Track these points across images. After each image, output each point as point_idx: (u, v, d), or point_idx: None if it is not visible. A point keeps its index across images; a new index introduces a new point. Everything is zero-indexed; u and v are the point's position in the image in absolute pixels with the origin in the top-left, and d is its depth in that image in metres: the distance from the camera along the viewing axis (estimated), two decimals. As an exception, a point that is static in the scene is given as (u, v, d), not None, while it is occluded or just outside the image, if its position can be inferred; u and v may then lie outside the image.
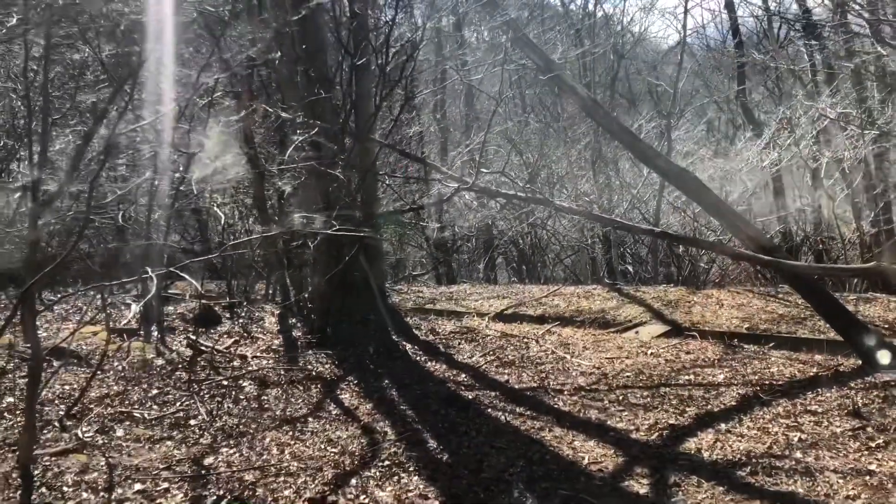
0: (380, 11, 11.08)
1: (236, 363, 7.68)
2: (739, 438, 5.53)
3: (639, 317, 9.98)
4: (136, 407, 6.18)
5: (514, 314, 10.72)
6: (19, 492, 4.40)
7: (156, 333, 8.13)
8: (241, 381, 7.11)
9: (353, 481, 4.91)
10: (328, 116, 8.84)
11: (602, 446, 5.51)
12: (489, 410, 6.43)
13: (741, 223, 8.05)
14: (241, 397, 6.69)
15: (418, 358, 8.29)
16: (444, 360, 8.14)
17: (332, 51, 9.90)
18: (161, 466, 5.04)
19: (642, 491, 4.74)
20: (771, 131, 14.52)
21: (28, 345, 5.94)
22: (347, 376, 7.54)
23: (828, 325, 8.07)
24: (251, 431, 5.83)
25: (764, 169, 13.79)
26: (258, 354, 8.06)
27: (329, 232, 7.18)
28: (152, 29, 5.87)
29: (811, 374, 7.12)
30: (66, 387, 6.41)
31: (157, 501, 4.56)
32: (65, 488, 4.61)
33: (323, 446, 5.56)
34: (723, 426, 5.83)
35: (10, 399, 5.84)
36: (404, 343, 8.82)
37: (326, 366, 7.85)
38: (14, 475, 4.57)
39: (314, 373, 7.57)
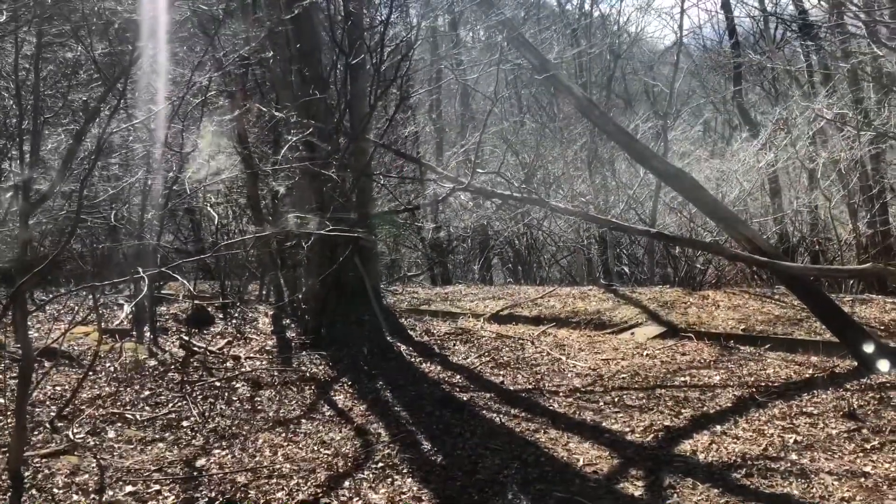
0: (375, 10, 11.06)
1: (229, 364, 7.64)
2: (735, 440, 5.51)
3: (635, 318, 9.95)
4: (128, 408, 6.14)
5: (510, 315, 10.69)
6: (9, 494, 4.36)
7: (148, 334, 8.08)
8: (234, 383, 7.07)
9: (347, 483, 4.87)
10: (322, 116, 8.81)
11: (597, 448, 5.49)
12: (484, 412, 6.40)
13: (737, 224, 8.03)
14: (234, 398, 6.65)
15: (413, 359, 8.25)
16: (438, 362, 8.11)
17: (327, 50, 9.87)
18: (153, 468, 5.00)
19: (637, 493, 4.71)
20: (767, 132, 14.52)
21: (19, 345, 5.89)
22: (341, 377, 7.51)
23: (824, 327, 8.05)
24: (244, 433, 5.80)
25: (760, 170, 13.78)
26: (251, 355, 8.03)
27: (323, 232, 7.15)
28: (145, 27, 5.84)
29: (807, 375, 7.10)
30: (58, 388, 6.36)
31: (149, 503, 4.52)
32: (55, 490, 4.57)
33: (316, 448, 5.53)
34: (718, 428, 5.80)
35: (1, 400, 5.77)
36: (399, 344, 8.78)
37: (320, 367, 7.82)
38: (4, 477, 4.53)
39: (308, 374, 7.53)
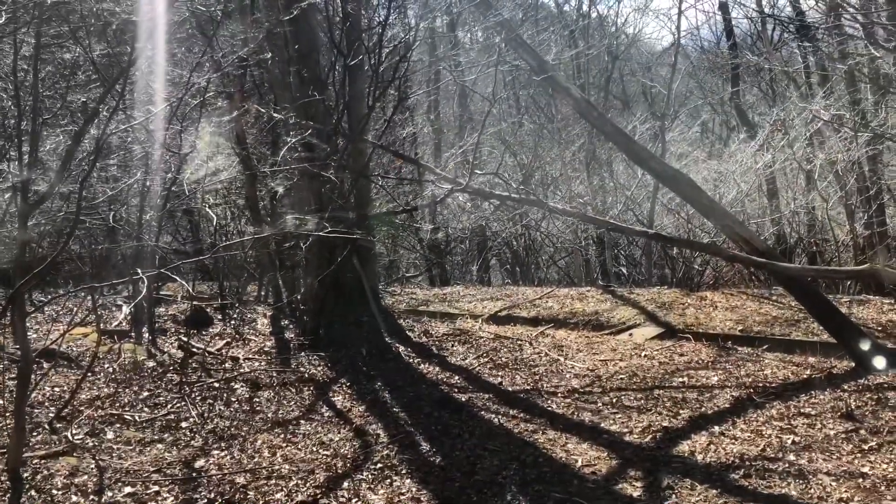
0: (373, 11, 11.06)
1: (228, 365, 7.64)
2: (733, 441, 5.52)
3: (633, 319, 9.97)
4: (127, 409, 6.14)
5: (508, 316, 10.70)
6: (8, 495, 4.36)
7: (147, 335, 8.08)
8: (232, 383, 7.07)
9: (346, 484, 4.88)
10: (321, 117, 8.82)
11: (595, 449, 5.49)
12: (482, 413, 6.41)
13: (735, 225, 8.04)
14: (233, 399, 6.65)
15: (411, 360, 8.26)
16: (437, 362, 8.12)
17: (325, 51, 9.88)
18: (152, 469, 5.00)
19: (635, 493, 4.72)
20: (765, 133, 14.53)
21: (18, 346, 5.89)
22: (340, 378, 7.51)
23: (821, 328, 8.06)
24: (243, 434, 5.80)
25: (758, 171, 13.79)
26: (250, 356, 8.03)
27: (321, 233, 7.16)
28: (144, 28, 5.84)
29: (804, 376, 7.12)
30: (56, 389, 6.37)
31: (147, 505, 4.53)
32: (54, 491, 4.57)
33: (315, 449, 5.53)
34: (716, 428, 5.81)
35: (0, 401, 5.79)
36: (397, 345, 8.79)
37: (319, 368, 7.83)
38: (3, 478, 4.53)
39: (306, 375, 7.54)
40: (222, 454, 5.36)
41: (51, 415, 5.72)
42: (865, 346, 7.18)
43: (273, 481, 4.88)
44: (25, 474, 4.67)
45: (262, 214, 9.45)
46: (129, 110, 7.50)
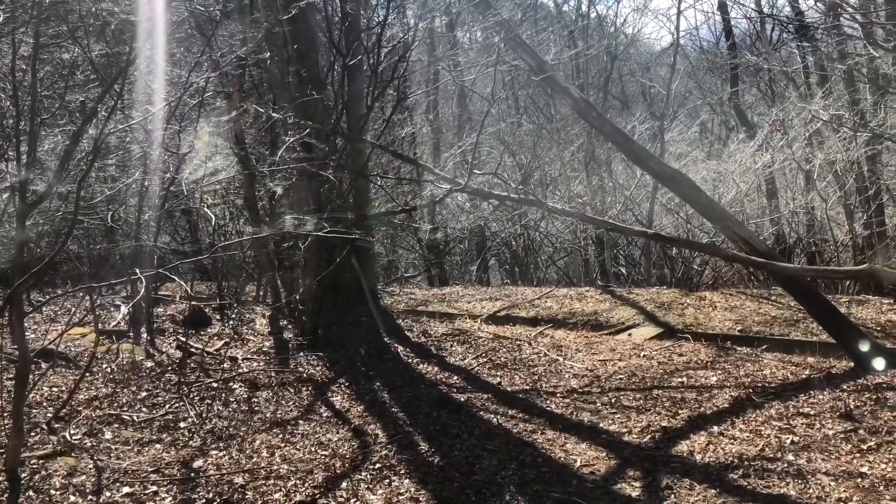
0: (372, 11, 11.06)
1: (226, 365, 7.63)
2: (732, 441, 5.51)
3: (632, 319, 9.96)
4: (125, 409, 6.14)
5: (507, 316, 10.69)
6: (6, 495, 4.36)
7: (145, 335, 8.08)
8: (231, 384, 7.07)
9: (344, 484, 4.87)
10: (320, 117, 8.81)
11: (594, 449, 5.49)
12: (481, 413, 6.40)
13: (734, 225, 8.03)
14: (231, 400, 6.65)
15: (410, 360, 8.25)
16: (436, 363, 8.11)
17: (324, 51, 9.88)
18: (150, 469, 5.00)
19: (634, 493, 4.71)
20: (764, 133, 14.54)
21: (16, 346, 5.88)
22: (338, 378, 7.51)
23: (820, 328, 8.06)
24: (241, 434, 5.79)
25: (757, 171, 13.80)
26: (249, 356, 8.02)
27: (320, 233, 7.16)
28: (143, 28, 5.83)
29: (803, 376, 7.11)
30: (55, 389, 6.37)
31: (145, 505, 4.53)
32: (52, 491, 4.57)
33: (313, 449, 5.53)
34: (715, 428, 5.81)
35: (-3, 401, 5.79)
36: (396, 345, 8.79)
37: (317, 368, 7.82)
38: (1, 478, 4.52)
39: (305, 375, 7.53)
40: (221, 454, 5.35)
41: (49, 415, 5.72)
42: (864, 346, 7.18)
43: (271, 481, 4.88)
44: (23, 474, 4.67)
45: (260, 214, 9.45)
46: (127, 110, 7.49)
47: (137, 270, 5.72)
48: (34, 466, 4.85)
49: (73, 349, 7.55)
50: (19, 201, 4.89)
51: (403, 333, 9.30)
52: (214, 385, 6.96)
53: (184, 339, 7.96)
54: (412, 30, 10.84)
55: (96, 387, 6.57)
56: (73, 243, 10.03)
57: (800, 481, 4.73)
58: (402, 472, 5.10)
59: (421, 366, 8.02)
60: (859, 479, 4.72)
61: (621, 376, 7.43)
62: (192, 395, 6.60)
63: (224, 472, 5.02)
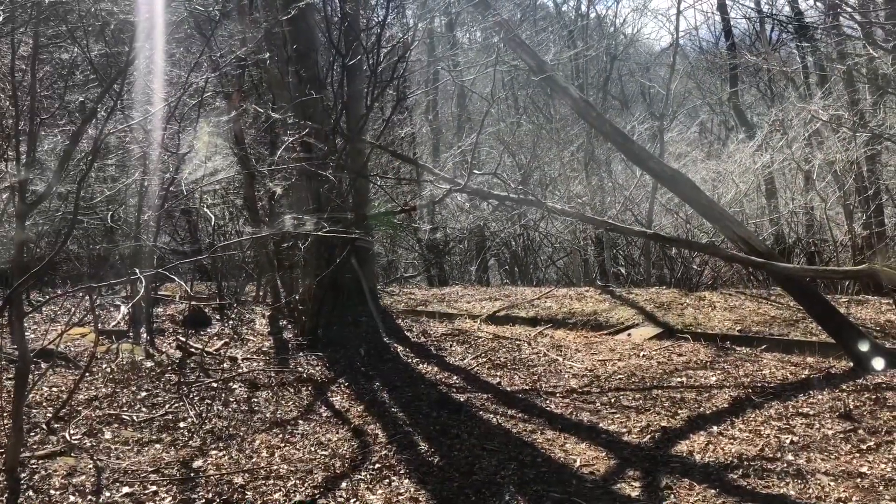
0: (371, 11, 11.05)
1: (226, 365, 7.63)
2: (731, 441, 5.52)
3: (631, 319, 9.96)
4: (125, 409, 6.14)
5: (507, 316, 10.69)
6: (6, 495, 4.36)
7: (145, 335, 8.08)
8: (230, 384, 7.07)
9: (344, 484, 4.87)
10: (319, 117, 8.81)
11: (594, 449, 5.49)
12: (481, 413, 6.41)
13: (734, 225, 8.04)
14: (231, 399, 6.65)
15: (410, 360, 8.25)
16: (435, 363, 8.11)
17: (324, 51, 9.88)
18: (149, 469, 5.00)
19: (634, 493, 4.72)
20: (763, 133, 14.55)
21: (15, 346, 5.88)
22: (338, 378, 7.51)
23: (820, 328, 8.06)
24: (241, 434, 5.79)
25: (756, 171, 13.80)
26: (248, 356, 8.02)
27: (320, 233, 7.15)
28: (142, 28, 5.83)
29: (803, 376, 7.11)
30: (54, 389, 6.37)
31: (145, 505, 4.53)
32: (52, 491, 4.57)
33: (313, 449, 5.53)
34: (715, 428, 5.81)
35: (-3, 401, 5.79)
36: (396, 345, 8.79)
37: (317, 368, 7.82)
38: (1, 478, 4.52)
39: (305, 375, 7.53)
40: (220, 454, 5.35)
41: (48, 415, 5.71)
42: (864, 346, 7.18)
43: (271, 481, 4.88)
44: (23, 474, 4.67)
45: (260, 214, 9.45)
46: (127, 110, 7.49)
47: (137, 270, 5.72)
48: (34, 466, 4.85)
49: (72, 349, 7.55)
50: (19, 201, 4.89)
51: (403, 333, 9.30)
52: (214, 385, 6.96)
53: (183, 339, 7.96)
54: (412, 30, 10.84)
55: (96, 387, 6.57)
56: (72, 243, 10.04)
57: (799, 481, 4.73)
58: (402, 471, 5.10)
59: (420, 366, 8.03)
60: (859, 479, 4.72)
61: (621, 376, 7.43)
62: (191, 395, 6.60)
63: (224, 472, 5.02)
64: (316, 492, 4.74)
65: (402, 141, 16.00)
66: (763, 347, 8.27)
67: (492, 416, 6.31)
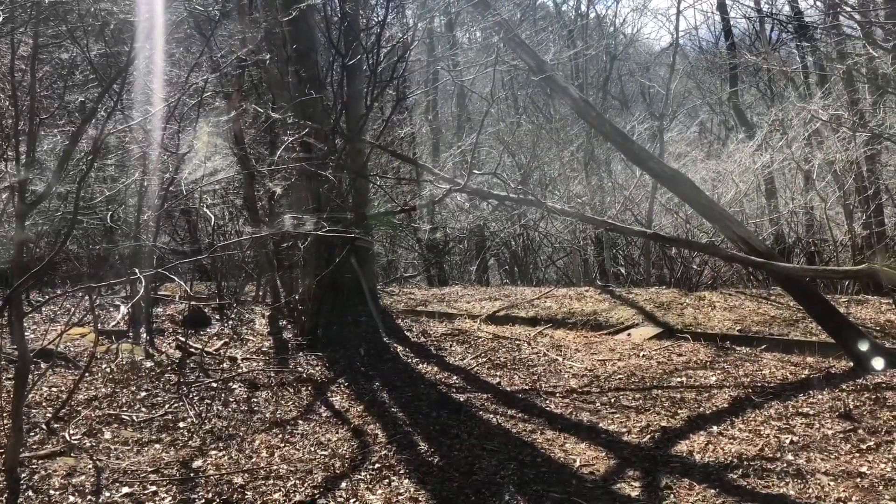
0: (371, 11, 11.05)
1: (226, 365, 7.63)
2: (731, 440, 5.52)
3: (631, 319, 9.96)
4: (125, 409, 6.13)
5: (506, 316, 10.69)
6: (6, 495, 4.36)
7: (144, 335, 8.08)
8: (230, 384, 7.06)
9: (344, 484, 4.87)
10: (319, 117, 8.81)
11: (594, 449, 5.49)
12: (481, 413, 6.40)
13: (733, 225, 8.04)
14: (231, 399, 6.64)
15: (410, 360, 8.25)
16: (435, 362, 8.11)
17: (323, 51, 9.87)
18: (149, 469, 5.00)
19: (634, 493, 4.72)
20: (763, 133, 14.55)
21: (15, 346, 5.88)
22: (338, 378, 7.51)
23: (819, 328, 8.06)
24: (240, 434, 5.79)
25: (756, 171, 13.80)
26: (248, 356, 8.02)
27: (320, 233, 7.15)
28: (142, 28, 5.83)
29: (803, 376, 7.11)
30: (54, 389, 6.37)
31: (145, 505, 4.52)
32: (52, 491, 4.57)
33: (313, 449, 5.52)
34: (714, 428, 5.81)
35: (-3, 401, 5.78)
36: (395, 345, 8.78)
37: (317, 368, 7.82)
38: (0, 478, 4.52)
39: (304, 375, 7.53)
40: (220, 454, 5.35)
41: (48, 415, 5.71)
42: (864, 346, 7.18)
43: (271, 481, 4.88)
44: (23, 474, 4.67)
45: (260, 214, 9.45)
46: (126, 110, 7.50)
47: (137, 270, 5.72)
48: (34, 466, 4.85)
49: (72, 349, 7.55)
50: (19, 201, 4.89)
51: (403, 333, 9.30)
52: (214, 385, 6.96)
53: (183, 339, 7.96)
54: (411, 30, 10.84)
55: (96, 387, 6.56)
56: (72, 243, 10.04)
57: (799, 481, 4.73)
58: (402, 471, 5.09)
59: (420, 366, 8.02)
60: (858, 479, 4.72)
61: (621, 376, 7.43)
62: (191, 395, 6.60)
63: (223, 472, 5.02)
64: (316, 492, 4.74)
65: (401, 141, 16.01)
66: (763, 347, 8.27)
67: (492, 416, 6.30)
